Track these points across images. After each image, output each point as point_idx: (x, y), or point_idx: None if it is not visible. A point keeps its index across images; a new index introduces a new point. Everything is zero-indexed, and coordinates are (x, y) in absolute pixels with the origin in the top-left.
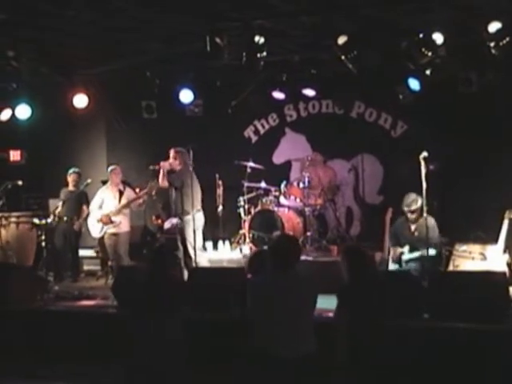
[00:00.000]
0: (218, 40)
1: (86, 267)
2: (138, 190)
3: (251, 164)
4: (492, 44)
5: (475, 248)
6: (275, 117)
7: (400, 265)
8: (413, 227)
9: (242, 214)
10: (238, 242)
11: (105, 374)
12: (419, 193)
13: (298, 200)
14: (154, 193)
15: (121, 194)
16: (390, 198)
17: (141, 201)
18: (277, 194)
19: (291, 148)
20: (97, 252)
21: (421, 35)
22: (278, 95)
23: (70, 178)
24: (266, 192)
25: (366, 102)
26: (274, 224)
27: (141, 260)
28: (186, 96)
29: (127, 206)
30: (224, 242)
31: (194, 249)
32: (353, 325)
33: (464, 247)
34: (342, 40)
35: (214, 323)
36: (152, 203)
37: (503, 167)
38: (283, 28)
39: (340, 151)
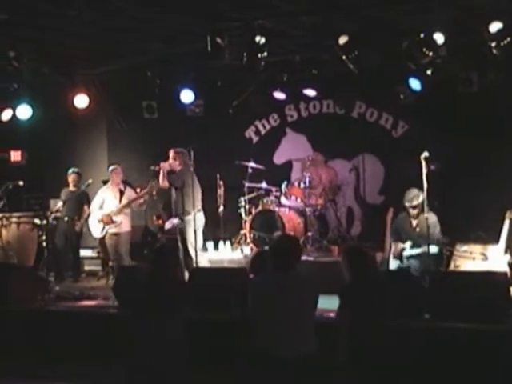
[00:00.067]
0: (218, 40)
1: (86, 267)
2: (138, 190)
3: (252, 164)
4: (493, 44)
5: (476, 248)
6: (276, 117)
7: (401, 260)
8: (414, 223)
9: (243, 215)
10: (238, 243)
11: (106, 374)
12: None
13: (298, 200)
14: (154, 193)
15: (121, 193)
16: (390, 198)
17: (141, 200)
18: (278, 194)
19: (292, 148)
20: (98, 252)
21: (422, 35)
22: (279, 95)
23: (70, 179)
24: (267, 192)
25: (367, 102)
26: (275, 224)
27: (141, 260)
28: (187, 96)
29: (128, 205)
30: (225, 243)
31: (195, 249)
32: (354, 325)
33: (465, 247)
34: (342, 40)
35: (215, 323)
36: (153, 203)
37: (504, 167)
38: (284, 28)
39: (341, 151)
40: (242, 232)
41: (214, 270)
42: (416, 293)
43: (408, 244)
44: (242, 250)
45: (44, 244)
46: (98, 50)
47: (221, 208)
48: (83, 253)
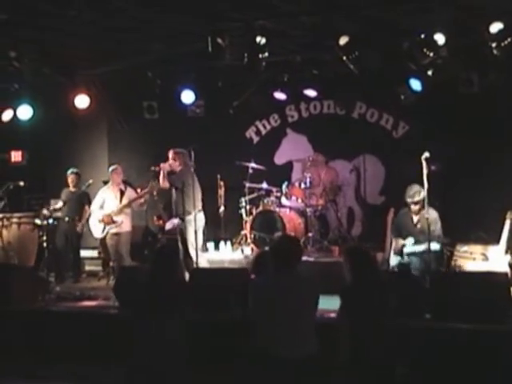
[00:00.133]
0: (219, 40)
1: (87, 268)
2: (139, 190)
3: (253, 165)
4: (494, 45)
5: (477, 248)
6: (277, 117)
7: (402, 256)
8: (415, 219)
9: (244, 215)
10: (239, 243)
11: (105, 374)
12: None
13: (299, 201)
14: (155, 193)
15: (122, 193)
16: (391, 199)
17: (142, 200)
18: (278, 194)
19: (293, 148)
20: (99, 253)
21: (422, 36)
22: (280, 96)
23: (69, 179)
24: (268, 193)
25: (368, 102)
26: (276, 225)
27: (142, 260)
28: (188, 96)
29: (128, 205)
30: (225, 243)
31: (196, 249)
32: (355, 325)
33: (465, 248)
34: (343, 41)
35: (215, 323)
36: (153, 204)
37: (505, 168)
38: (284, 28)
39: (341, 152)
40: (243, 232)
41: (215, 271)
42: (416, 293)
43: (410, 240)
44: (242, 251)
45: (44, 244)
46: (99, 50)
47: (221, 208)
48: (84, 253)
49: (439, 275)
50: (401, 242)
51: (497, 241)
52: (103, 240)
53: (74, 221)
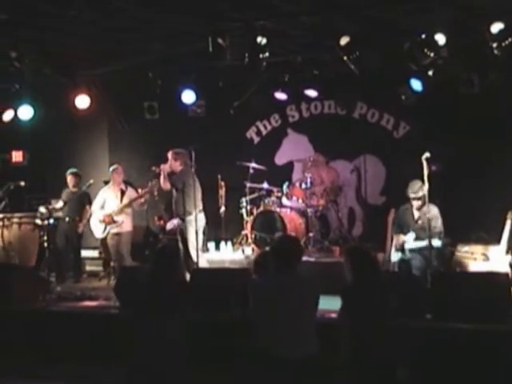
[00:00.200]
0: (220, 41)
1: (88, 268)
2: (139, 190)
3: (253, 165)
4: (494, 45)
5: (477, 249)
6: (277, 117)
7: (403, 253)
8: (416, 215)
9: (244, 215)
10: (240, 243)
11: (106, 374)
12: None
13: (300, 201)
14: (155, 192)
15: (122, 193)
16: (392, 199)
17: (142, 200)
18: (279, 194)
19: (293, 149)
20: (99, 253)
21: (423, 36)
22: (280, 96)
23: (68, 179)
24: (269, 193)
25: (369, 102)
26: (276, 225)
27: (143, 261)
28: (188, 97)
29: (129, 205)
30: (226, 243)
31: (196, 249)
32: (356, 325)
33: (466, 248)
34: (344, 41)
35: (216, 323)
36: (154, 204)
37: (506, 168)
38: (285, 28)
39: (342, 152)
40: (244, 232)
41: (215, 271)
42: (417, 293)
43: (411, 236)
44: (243, 251)
45: (45, 244)
46: (99, 50)
47: (222, 208)
48: (84, 253)
49: (439, 275)
50: (402, 238)
51: (498, 241)
52: (104, 240)
53: (75, 221)
